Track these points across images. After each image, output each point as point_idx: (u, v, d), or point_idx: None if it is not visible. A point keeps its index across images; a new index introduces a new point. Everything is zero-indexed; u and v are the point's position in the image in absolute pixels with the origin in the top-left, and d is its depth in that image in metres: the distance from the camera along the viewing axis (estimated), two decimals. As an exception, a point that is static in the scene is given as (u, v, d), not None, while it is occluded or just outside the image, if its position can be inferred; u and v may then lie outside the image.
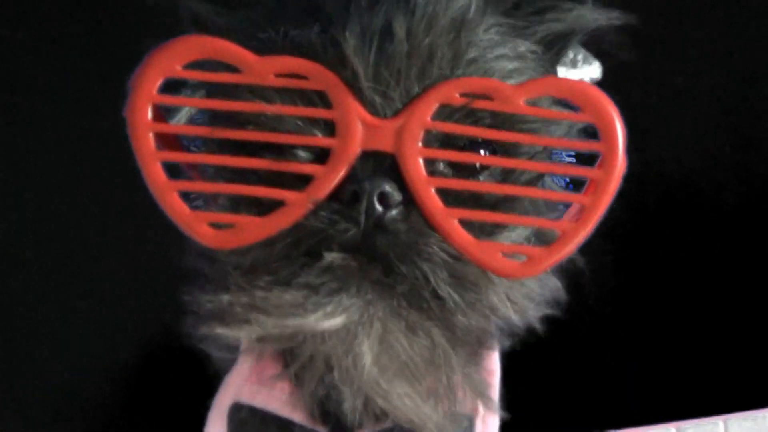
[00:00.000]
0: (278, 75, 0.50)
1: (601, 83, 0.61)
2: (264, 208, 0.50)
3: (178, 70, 0.51)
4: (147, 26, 0.56)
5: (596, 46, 0.60)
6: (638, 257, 1.01)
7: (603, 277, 0.64)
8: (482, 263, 0.51)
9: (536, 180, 0.54)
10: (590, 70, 0.59)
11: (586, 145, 0.52)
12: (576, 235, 0.53)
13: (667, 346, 1.02)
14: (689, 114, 1.04)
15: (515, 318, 0.54)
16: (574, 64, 0.58)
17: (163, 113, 0.53)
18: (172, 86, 0.51)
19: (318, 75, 0.50)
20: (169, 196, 0.52)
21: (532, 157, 0.54)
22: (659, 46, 0.99)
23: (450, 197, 0.50)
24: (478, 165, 0.52)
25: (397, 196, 0.50)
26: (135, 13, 0.87)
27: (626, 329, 1.02)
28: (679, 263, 1.04)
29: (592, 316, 0.84)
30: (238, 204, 0.51)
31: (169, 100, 0.52)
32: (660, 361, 1.01)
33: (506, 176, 0.52)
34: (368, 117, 0.50)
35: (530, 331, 0.60)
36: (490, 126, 0.51)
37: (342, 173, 0.50)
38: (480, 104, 0.51)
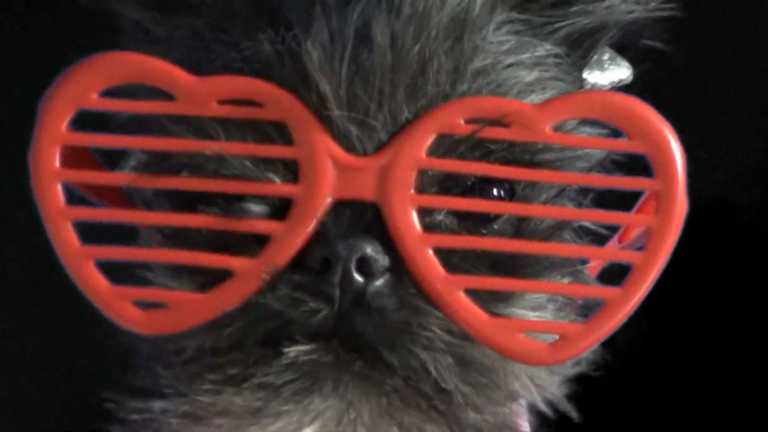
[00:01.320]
0: (222, 102, 0.41)
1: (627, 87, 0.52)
2: (208, 280, 0.41)
3: (93, 100, 0.42)
4: (82, 34, 0.46)
5: (632, 45, 0.49)
6: (670, 288, 0.88)
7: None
8: (500, 348, 0.41)
9: (558, 229, 0.44)
10: (619, 73, 0.50)
11: (638, 183, 0.42)
12: (624, 304, 0.41)
13: (706, 391, 0.90)
14: (725, 120, 0.91)
15: (540, 401, 0.45)
16: (600, 66, 0.49)
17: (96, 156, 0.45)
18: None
19: (274, 100, 0.40)
20: (82, 266, 0.42)
21: (556, 197, 0.44)
22: (697, 43, 0.85)
23: (453, 259, 0.41)
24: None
25: (382, 261, 0.40)
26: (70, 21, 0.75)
27: (662, 375, 0.89)
28: (712, 290, 0.92)
29: (623, 363, 0.72)
30: (177, 276, 0.42)
31: (80, 139, 0.42)
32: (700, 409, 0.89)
33: (521, 225, 0.43)
34: (342, 155, 0.41)
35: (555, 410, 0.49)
36: (505, 160, 0.41)
37: (308, 232, 0.40)
38: (493, 132, 0.41)
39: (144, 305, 0.42)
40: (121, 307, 0.41)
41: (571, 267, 0.44)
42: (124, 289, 0.41)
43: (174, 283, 0.41)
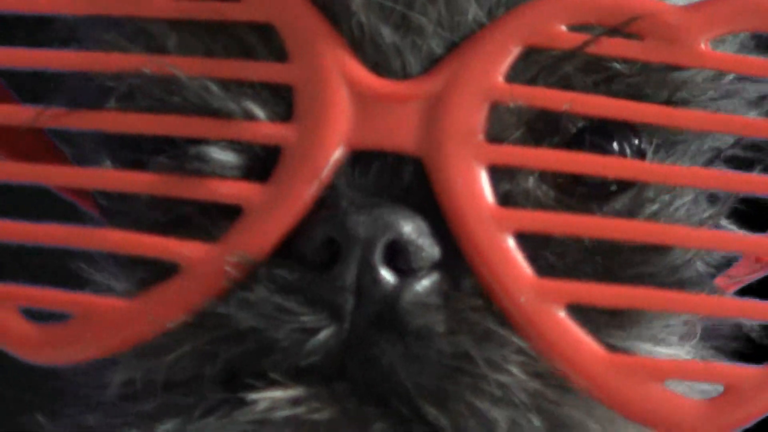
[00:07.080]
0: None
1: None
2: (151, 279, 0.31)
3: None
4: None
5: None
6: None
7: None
8: (627, 407, 0.28)
9: (709, 218, 0.34)
10: None
11: None
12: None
13: None
14: None
15: None
16: None
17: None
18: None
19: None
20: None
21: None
22: None
23: (547, 253, 0.30)
24: (612, 181, 0.32)
25: (429, 251, 0.29)
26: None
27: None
28: None
29: None
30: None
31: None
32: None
33: (641, 209, 0.34)
34: (364, 76, 0.30)
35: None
36: (633, 93, 0.31)
37: (304, 201, 0.29)
38: (615, 47, 0.30)
39: (42, 317, 0.31)
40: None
41: (707, 282, 0.34)
42: (6, 288, 0.31)
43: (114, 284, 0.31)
